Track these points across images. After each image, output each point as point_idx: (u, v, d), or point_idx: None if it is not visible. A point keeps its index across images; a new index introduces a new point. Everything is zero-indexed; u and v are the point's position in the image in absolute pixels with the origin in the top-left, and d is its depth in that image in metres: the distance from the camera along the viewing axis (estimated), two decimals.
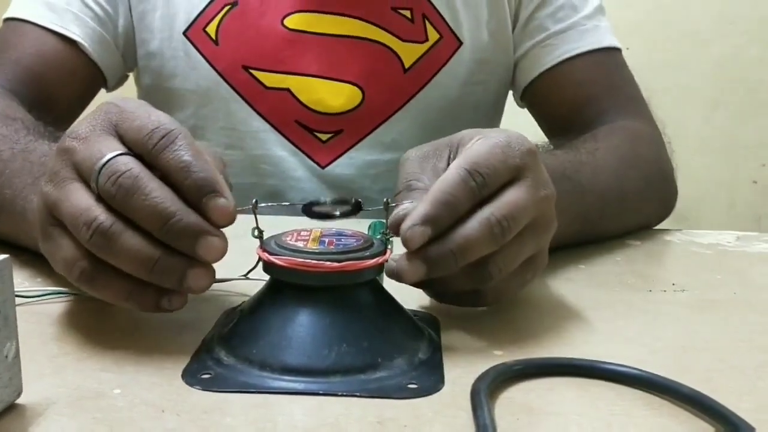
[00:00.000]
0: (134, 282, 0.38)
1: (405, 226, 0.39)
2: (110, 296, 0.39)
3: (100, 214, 0.37)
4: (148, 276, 0.37)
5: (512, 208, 0.40)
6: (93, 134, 0.39)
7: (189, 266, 0.37)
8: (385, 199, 0.41)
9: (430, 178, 0.43)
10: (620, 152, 0.66)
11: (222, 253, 0.38)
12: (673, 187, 0.74)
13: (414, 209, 0.39)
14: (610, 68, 0.81)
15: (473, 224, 0.39)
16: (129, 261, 0.37)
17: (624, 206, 0.65)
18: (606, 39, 0.81)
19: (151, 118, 0.38)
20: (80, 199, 0.38)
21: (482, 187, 0.40)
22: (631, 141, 0.69)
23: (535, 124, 0.85)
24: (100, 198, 0.38)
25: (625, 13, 1.66)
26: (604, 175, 0.62)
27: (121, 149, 0.38)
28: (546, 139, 0.81)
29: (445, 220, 0.39)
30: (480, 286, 0.41)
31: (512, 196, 0.40)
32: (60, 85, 0.75)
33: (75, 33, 0.75)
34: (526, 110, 0.86)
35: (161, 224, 0.36)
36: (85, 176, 0.38)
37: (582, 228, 0.59)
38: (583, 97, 0.78)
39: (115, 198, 0.37)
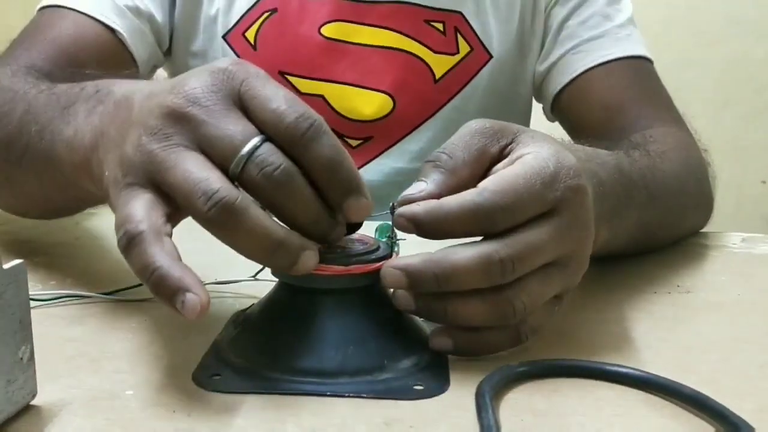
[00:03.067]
0: (167, 265, 0.33)
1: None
2: (137, 270, 0.34)
3: (224, 185, 0.34)
4: (266, 255, 0.35)
5: (525, 248, 0.36)
6: (218, 105, 0.35)
7: (304, 247, 0.35)
8: (391, 204, 0.41)
9: (467, 160, 0.39)
10: (680, 157, 0.65)
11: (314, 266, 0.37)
12: (711, 193, 0.72)
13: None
14: (643, 76, 0.80)
15: (468, 252, 0.36)
16: (253, 237, 0.34)
17: (681, 215, 0.64)
18: (639, 48, 0.81)
19: (290, 102, 0.36)
20: (200, 168, 0.34)
21: (497, 220, 0.36)
22: (684, 147, 0.68)
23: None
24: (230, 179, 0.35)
25: (634, 14, 1.65)
26: (670, 181, 0.60)
27: (257, 132, 0.35)
28: None
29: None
30: (503, 322, 0.38)
31: (532, 235, 0.37)
32: (93, 69, 0.75)
33: (115, 22, 0.75)
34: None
35: (304, 225, 0.36)
36: (217, 156, 0.35)
37: (642, 238, 0.58)
38: (618, 101, 0.77)
39: (264, 190, 0.35)
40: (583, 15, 0.82)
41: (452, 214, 0.37)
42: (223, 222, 0.34)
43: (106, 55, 0.75)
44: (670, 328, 0.47)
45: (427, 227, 0.37)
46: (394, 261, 0.38)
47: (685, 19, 1.92)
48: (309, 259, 0.36)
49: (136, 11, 0.77)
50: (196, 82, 0.36)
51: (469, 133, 0.40)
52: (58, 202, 0.52)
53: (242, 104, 0.36)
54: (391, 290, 0.40)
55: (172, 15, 0.80)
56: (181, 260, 0.34)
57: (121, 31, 0.75)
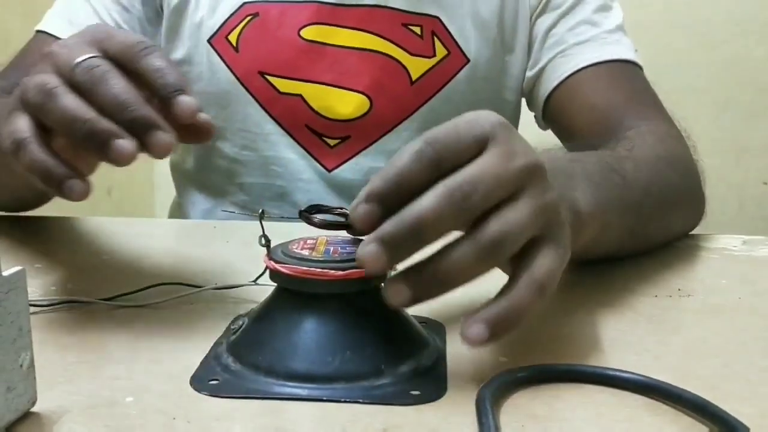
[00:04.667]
0: (52, 159, 0.41)
1: (350, 207, 0.37)
2: (27, 167, 0.41)
3: (51, 80, 0.41)
4: (75, 134, 0.40)
5: (474, 173, 0.36)
6: (77, 43, 0.43)
7: (117, 135, 0.40)
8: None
9: None
10: (655, 150, 0.65)
11: (168, 149, 0.41)
12: (701, 191, 0.72)
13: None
14: (631, 78, 0.80)
15: (428, 194, 0.36)
16: (62, 116, 0.40)
17: (666, 204, 0.63)
18: (627, 53, 0.81)
19: (135, 36, 0.44)
20: (43, 75, 0.42)
21: (440, 155, 0.37)
22: (662, 141, 0.69)
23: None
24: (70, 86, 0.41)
25: (634, 15, 1.66)
26: (644, 168, 0.60)
27: (101, 55, 0.42)
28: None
29: (394, 194, 0.36)
30: (494, 258, 0.37)
31: (475, 164, 0.37)
32: None
33: None
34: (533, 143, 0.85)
35: (120, 111, 0.40)
36: (62, 71, 0.42)
37: (633, 224, 0.57)
38: (605, 103, 0.78)
39: (85, 85, 0.41)
40: (570, 22, 0.82)
41: (402, 166, 0.36)
42: (41, 104, 0.41)
43: None
44: (671, 331, 0.47)
45: (388, 192, 0.36)
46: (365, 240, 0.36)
47: (685, 19, 1.92)
48: (124, 146, 0.40)
49: None
50: (70, 36, 0.45)
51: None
52: (12, 189, 0.56)
53: (100, 45, 0.43)
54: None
55: (159, 31, 0.84)
56: (62, 157, 0.42)
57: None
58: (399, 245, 0.35)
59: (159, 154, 0.41)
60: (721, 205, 2.05)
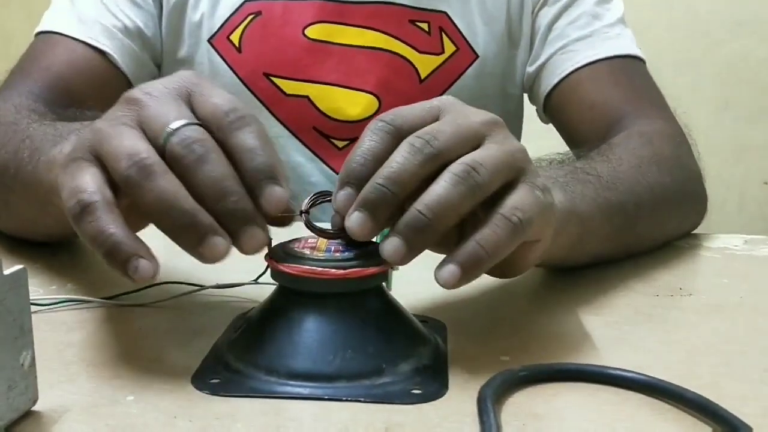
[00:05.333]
0: (121, 232, 0.36)
1: (332, 200, 0.39)
2: (90, 236, 0.36)
3: (147, 151, 0.36)
4: (170, 223, 0.36)
5: (433, 128, 0.39)
6: (167, 95, 0.39)
7: (214, 231, 0.36)
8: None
9: None
10: (638, 152, 0.65)
11: (261, 247, 0.37)
12: (702, 188, 0.72)
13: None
14: (631, 74, 0.80)
15: (393, 155, 0.38)
16: (158, 200, 0.36)
17: (657, 203, 0.62)
18: (628, 47, 0.81)
19: (229, 99, 0.39)
20: (133, 139, 0.37)
21: (398, 126, 0.39)
22: (649, 143, 0.68)
23: (548, 145, 0.84)
24: (160, 153, 0.37)
25: (635, 14, 1.66)
26: (624, 170, 0.60)
27: (195, 119, 0.38)
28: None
29: (364, 171, 0.38)
30: (474, 191, 0.37)
31: (434, 123, 0.40)
32: (89, 93, 0.76)
33: (104, 44, 0.77)
34: (538, 136, 0.85)
35: (219, 199, 0.36)
36: (150, 132, 0.38)
37: (620, 223, 0.57)
38: (603, 101, 0.77)
39: (183, 162, 0.36)
40: (572, 15, 0.82)
41: (366, 144, 0.39)
42: (137, 182, 0.36)
43: (100, 78, 0.76)
44: (672, 331, 0.47)
45: (360, 171, 0.38)
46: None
47: (686, 19, 1.92)
48: (217, 245, 0.36)
49: (125, 31, 0.78)
50: (155, 81, 0.40)
51: None
52: (43, 224, 0.54)
53: (189, 100, 0.39)
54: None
55: (160, 28, 0.82)
56: (130, 230, 0.37)
57: (111, 52, 0.77)
58: (378, 205, 0.37)
59: (250, 252, 0.37)
60: (721, 204, 2.06)
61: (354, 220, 0.37)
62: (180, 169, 0.37)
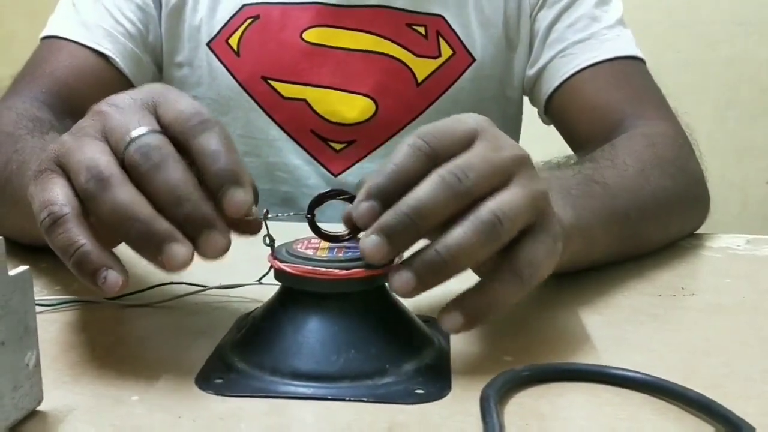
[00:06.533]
0: (90, 244, 0.36)
1: (352, 206, 0.38)
2: (60, 247, 0.37)
3: (105, 163, 0.37)
4: (127, 233, 0.36)
5: (466, 160, 0.38)
6: (132, 106, 0.39)
7: (172, 238, 0.36)
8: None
9: None
10: (641, 156, 0.65)
11: (222, 252, 0.37)
12: (704, 189, 0.71)
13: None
14: (631, 76, 0.80)
15: (423, 184, 0.37)
16: (114, 211, 0.36)
17: (660, 208, 0.63)
18: (628, 48, 0.81)
19: (194, 105, 0.39)
20: (94, 150, 0.37)
21: (434, 149, 0.38)
22: (651, 145, 0.68)
23: (550, 147, 0.84)
24: (122, 165, 0.37)
25: (636, 15, 1.66)
26: (629, 176, 0.61)
27: (157, 127, 0.38)
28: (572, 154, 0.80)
29: (393, 189, 0.37)
30: (494, 239, 0.37)
31: (467, 152, 0.39)
32: (93, 97, 0.75)
33: (107, 48, 0.77)
34: (540, 138, 0.85)
35: (176, 205, 0.36)
36: (112, 142, 0.38)
37: (623, 231, 0.57)
38: (605, 103, 0.77)
39: (139, 169, 0.36)
40: (570, 18, 0.82)
41: (399, 161, 0.38)
42: (93, 194, 0.36)
43: (103, 81, 0.77)
44: (675, 331, 0.47)
45: (387, 188, 0.37)
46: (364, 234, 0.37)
47: (688, 19, 1.92)
48: (177, 252, 0.36)
49: (127, 34, 0.79)
50: (123, 93, 0.40)
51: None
52: (35, 235, 0.54)
53: (155, 109, 0.39)
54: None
55: (160, 30, 0.82)
56: (99, 241, 0.37)
57: (113, 55, 0.77)
58: (399, 234, 0.37)
59: (210, 256, 0.37)
60: (723, 204, 2.04)
61: (370, 243, 0.37)
62: (138, 177, 0.37)
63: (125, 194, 0.36)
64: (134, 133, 0.37)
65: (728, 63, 1.92)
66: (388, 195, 0.37)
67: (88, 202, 0.37)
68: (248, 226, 0.41)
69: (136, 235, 0.36)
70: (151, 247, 0.36)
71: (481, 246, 0.37)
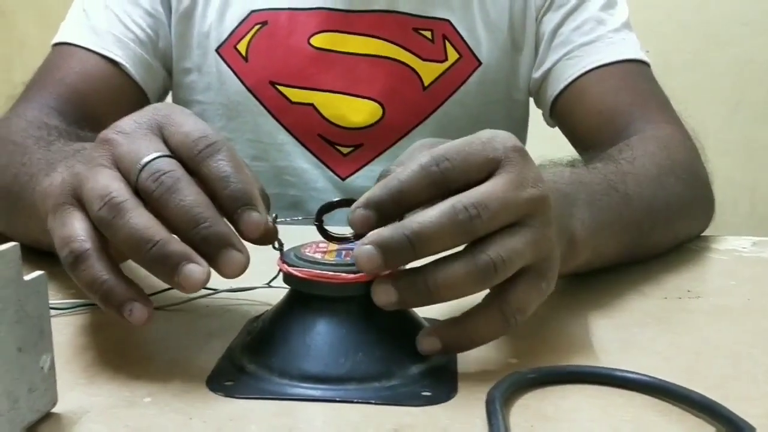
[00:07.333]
0: (114, 279, 0.37)
1: (350, 209, 0.38)
2: (85, 284, 0.38)
3: (118, 190, 0.37)
4: (143, 257, 0.36)
5: (482, 197, 0.37)
6: (138, 131, 0.40)
7: (188, 259, 0.36)
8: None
9: None
10: (657, 159, 0.65)
11: (241, 269, 0.37)
12: (710, 192, 0.72)
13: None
14: (637, 79, 0.80)
15: (433, 210, 0.37)
16: (129, 236, 0.36)
17: (671, 215, 0.63)
18: (633, 51, 0.81)
19: (199, 127, 0.39)
20: (106, 178, 0.38)
21: (446, 174, 0.37)
22: (665, 148, 0.68)
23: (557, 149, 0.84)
24: (135, 191, 0.38)
25: (644, 15, 1.65)
26: (646, 183, 0.60)
27: (166, 151, 0.39)
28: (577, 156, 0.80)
29: (390, 204, 0.37)
30: (485, 281, 0.37)
31: (486, 185, 0.37)
32: (103, 103, 0.77)
33: (117, 54, 0.78)
34: (548, 139, 0.85)
35: (192, 227, 0.36)
36: (123, 169, 0.39)
37: (633, 240, 0.58)
38: (611, 106, 0.78)
39: (153, 195, 0.37)
40: (576, 21, 0.82)
41: (405, 178, 0.37)
42: (108, 222, 0.37)
43: (113, 87, 0.78)
44: (680, 333, 0.47)
45: (386, 202, 0.37)
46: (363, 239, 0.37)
47: (696, 20, 1.91)
48: (193, 272, 0.36)
49: (137, 41, 0.80)
50: (127, 118, 0.41)
51: (415, 147, 0.42)
52: (47, 243, 0.55)
53: (161, 132, 0.40)
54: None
55: (170, 36, 0.83)
56: (123, 273, 0.38)
57: (123, 62, 0.78)
58: (394, 252, 0.36)
59: (230, 275, 0.37)
60: (732, 206, 2.05)
61: (365, 252, 0.37)
62: (152, 203, 0.37)
63: (139, 218, 0.37)
64: (144, 160, 0.38)
65: (737, 63, 1.91)
66: (385, 209, 0.38)
67: (104, 229, 0.37)
68: (263, 237, 0.41)
69: (152, 258, 0.36)
70: (167, 268, 0.36)
71: (472, 285, 0.37)
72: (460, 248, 0.38)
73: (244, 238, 0.38)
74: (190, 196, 0.37)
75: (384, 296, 0.38)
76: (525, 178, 0.38)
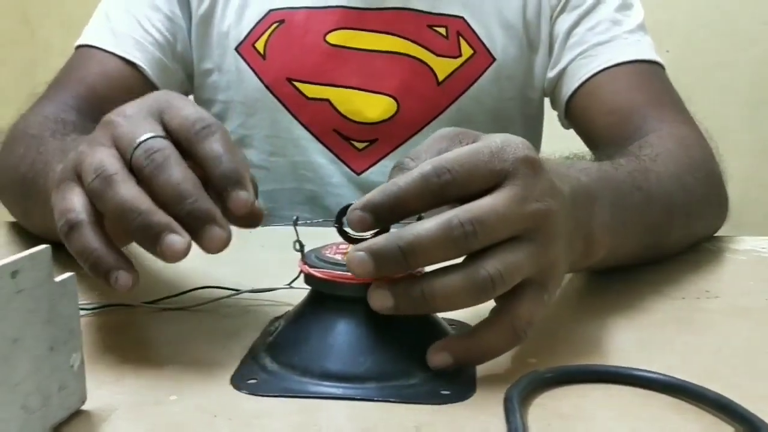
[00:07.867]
0: (103, 248, 0.39)
1: (349, 209, 0.38)
2: (77, 252, 0.40)
3: (111, 164, 0.40)
4: (129, 226, 0.38)
5: (482, 213, 0.36)
6: (138, 114, 0.42)
7: (170, 229, 0.38)
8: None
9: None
10: (676, 158, 0.65)
11: (223, 245, 0.39)
12: (725, 192, 0.72)
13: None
14: (651, 78, 0.80)
15: (430, 222, 0.36)
16: (117, 206, 0.38)
17: (689, 214, 0.63)
18: (648, 52, 0.81)
19: (197, 111, 0.42)
20: (103, 155, 0.40)
21: (445, 187, 0.37)
22: (684, 147, 0.68)
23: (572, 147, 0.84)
24: (129, 168, 0.40)
25: (663, 15, 1.64)
26: (668, 181, 0.60)
27: (161, 132, 0.41)
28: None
29: (387, 210, 0.37)
30: (482, 295, 0.37)
31: (487, 200, 0.37)
32: (120, 102, 0.77)
33: (136, 57, 0.80)
34: (563, 138, 0.85)
35: (178, 202, 0.38)
36: (121, 147, 0.41)
37: (652, 240, 0.58)
38: (624, 105, 0.78)
39: (144, 171, 0.39)
40: (591, 21, 0.82)
41: (405, 186, 0.37)
42: (99, 192, 0.39)
43: (131, 88, 0.79)
44: (698, 333, 0.47)
45: (383, 208, 0.38)
46: (357, 245, 0.38)
47: (717, 20, 1.89)
48: (174, 242, 0.38)
49: (156, 44, 0.82)
50: (131, 103, 0.44)
51: (433, 138, 0.43)
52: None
53: (161, 116, 0.42)
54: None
55: (189, 40, 0.85)
56: (113, 244, 0.40)
57: (142, 64, 0.80)
58: (387, 261, 0.37)
59: (212, 250, 0.39)
60: (752, 205, 2.02)
61: (357, 258, 0.37)
62: (143, 178, 0.40)
63: (127, 190, 0.39)
64: (140, 139, 0.40)
65: (758, 63, 1.89)
66: (382, 214, 0.38)
67: (96, 200, 0.40)
68: (249, 219, 0.44)
69: (136, 226, 0.38)
70: (150, 237, 0.38)
71: (468, 298, 0.37)
72: (461, 259, 0.38)
73: (232, 215, 0.40)
74: (178, 173, 0.39)
75: (380, 301, 0.38)
76: (530, 192, 0.38)
